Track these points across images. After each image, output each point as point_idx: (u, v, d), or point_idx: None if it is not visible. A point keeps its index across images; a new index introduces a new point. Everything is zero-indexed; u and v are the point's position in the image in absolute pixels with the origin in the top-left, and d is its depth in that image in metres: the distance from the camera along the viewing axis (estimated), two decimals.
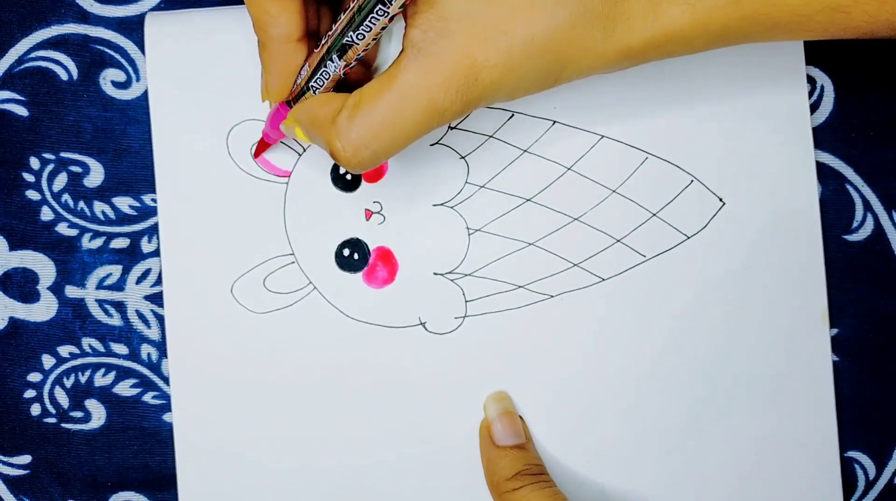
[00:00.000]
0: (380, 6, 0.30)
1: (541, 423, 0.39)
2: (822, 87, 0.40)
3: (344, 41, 0.31)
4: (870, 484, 0.40)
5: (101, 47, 0.39)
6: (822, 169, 0.40)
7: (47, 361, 0.39)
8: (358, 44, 0.31)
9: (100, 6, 0.39)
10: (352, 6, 0.30)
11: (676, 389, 0.39)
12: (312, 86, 0.32)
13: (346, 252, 0.39)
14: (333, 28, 0.31)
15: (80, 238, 0.39)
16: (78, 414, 0.40)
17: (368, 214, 0.39)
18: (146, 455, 0.40)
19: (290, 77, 0.33)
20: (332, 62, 0.32)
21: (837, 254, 0.40)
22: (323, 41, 0.32)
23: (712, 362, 0.39)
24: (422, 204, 0.39)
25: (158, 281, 0.39)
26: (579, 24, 0.30)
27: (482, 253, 0.39)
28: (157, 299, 0.39)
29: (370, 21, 0.30)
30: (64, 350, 0.39)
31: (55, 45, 0.39)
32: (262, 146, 0.38)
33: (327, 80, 0.32)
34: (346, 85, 0.33)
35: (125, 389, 0.40)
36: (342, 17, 0.31)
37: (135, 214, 0.39)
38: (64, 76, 0.39)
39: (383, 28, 0.30)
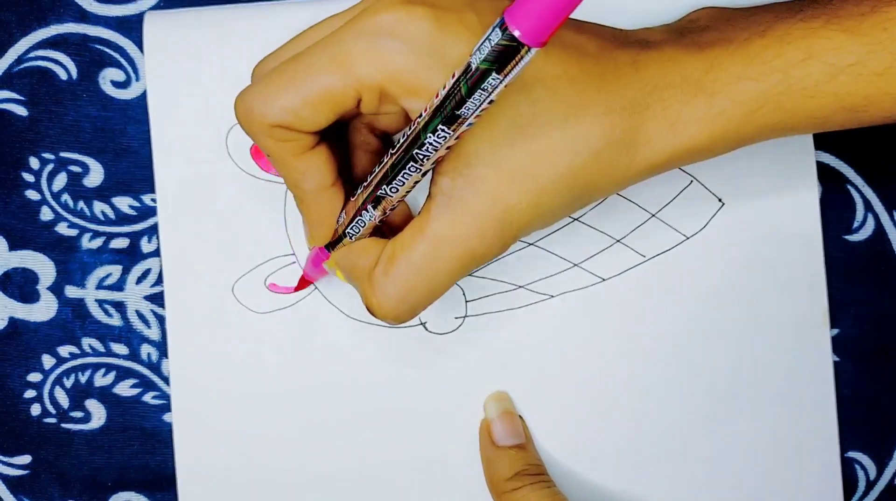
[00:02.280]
0: (412, 163, 0.29)
1: (541, 423, 0.39)
2: None
3: (378, 194, 0.31)
4: (870, 485, 0.40)
5: (101, 47, 0.39)
6: (822, 169, 0.40)
7: (47, 361, 0.39)
8: (392, 196, 0.31)
9: (99, 5, 0.39)
10: (385, 161, 0.30)
11: (676, 389, 0.39)
12: (349, 232, 0.32)
13: None
14: (368, 180, 0.31)
15: (80, 238, 0.39)
16: (78, 414, 0.40)
17: None
18: (146, 455, 0.40)
19: (332, 221, 0.33)
20: (368, 212, 0.31)
21: (837, 254, 0.40)
22: (359, 191, 0.32)
23: (712, 362, 0.39)
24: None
25: (158, 281, 0.39)
26: (603, 155, 0.30)
27: None
28: (157, 299, 0.39)
29: (403, 177, 0.30)
30: (64, 350, 0.39)
31: (54, 45, 0.39)
32: (303, 283, 0.38)
33: (363, 227, 0.32)
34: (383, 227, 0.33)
35: (125, 389, 0.40)
36: (376, 170, 0.31)
37: (135, 214, 0.39)
38: (63, 76, 0.39)
39: (416, 182, 0.30)
